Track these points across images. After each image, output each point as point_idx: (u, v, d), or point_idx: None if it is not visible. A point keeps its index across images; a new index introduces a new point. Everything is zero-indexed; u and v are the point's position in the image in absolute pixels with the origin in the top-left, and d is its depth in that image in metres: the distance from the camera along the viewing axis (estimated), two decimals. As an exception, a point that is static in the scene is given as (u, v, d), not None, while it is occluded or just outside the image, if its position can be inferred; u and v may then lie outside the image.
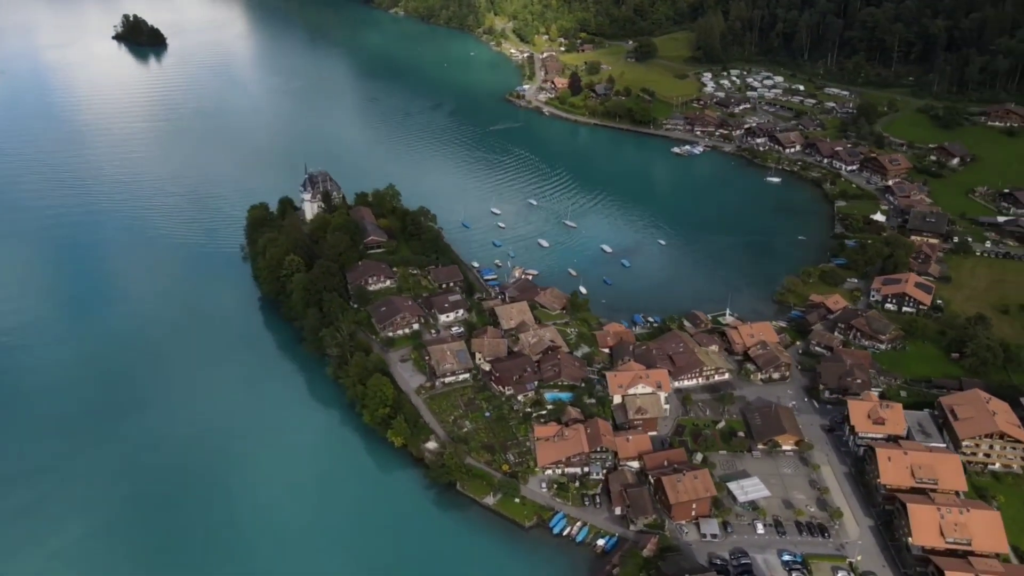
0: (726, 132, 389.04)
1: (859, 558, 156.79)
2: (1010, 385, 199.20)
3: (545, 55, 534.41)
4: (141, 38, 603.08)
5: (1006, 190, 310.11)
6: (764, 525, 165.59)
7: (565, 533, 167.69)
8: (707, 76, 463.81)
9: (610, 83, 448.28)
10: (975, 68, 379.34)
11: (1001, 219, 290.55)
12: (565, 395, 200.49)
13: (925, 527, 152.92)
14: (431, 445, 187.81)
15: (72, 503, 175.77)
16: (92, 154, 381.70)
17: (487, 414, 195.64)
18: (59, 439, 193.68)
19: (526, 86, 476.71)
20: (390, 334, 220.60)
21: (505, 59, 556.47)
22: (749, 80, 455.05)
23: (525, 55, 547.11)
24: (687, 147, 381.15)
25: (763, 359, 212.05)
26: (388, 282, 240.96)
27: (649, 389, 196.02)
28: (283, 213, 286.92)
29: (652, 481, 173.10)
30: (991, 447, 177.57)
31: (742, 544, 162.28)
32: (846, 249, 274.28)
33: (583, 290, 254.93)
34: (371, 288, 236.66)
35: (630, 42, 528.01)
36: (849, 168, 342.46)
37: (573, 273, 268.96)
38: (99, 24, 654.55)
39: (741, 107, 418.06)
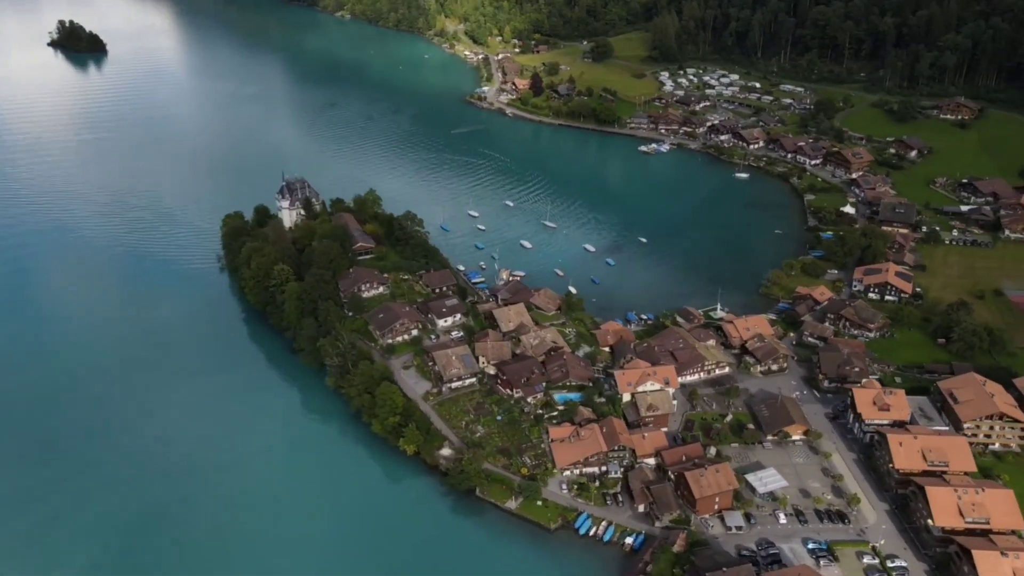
0: (690, 130, 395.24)
1: (883, 542, 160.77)
2: (1000, 367, 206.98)
3: (500, 56, 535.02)
4: (80, 45, 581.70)
5: (964, 180, 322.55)
6: (785, 515, 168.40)
7: (591, 533, 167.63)
8: (664, 75, 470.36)
9: (571, 83, 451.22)
10: (925, 63, 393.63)
11: (964, 208, 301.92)
12: (574, 395, 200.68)
13: (944, 508, 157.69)
14: (445, 452, 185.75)
15: (75, 530, 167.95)
16: (42, 166, 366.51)
17: (499, 417, 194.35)
18: (50, 465, 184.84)
19: (485, 88, 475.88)
20: (389, 341, 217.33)
21: (460, 61, 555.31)
22: (706, 79, 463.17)
23: (480, 57, 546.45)
24: (654, 145, 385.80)
25: (762, 352, 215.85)
26: (381, 288, 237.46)
27: (658, 386, 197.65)
28: (260, 222, 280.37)
29: (673, 477, 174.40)
30: (991, 428, 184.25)
31: (766, 535, 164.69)
32: (823, 241, 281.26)
33: (572, 290, 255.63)
34: (365, 295, 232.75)
35: (585, 42, 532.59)
36: (813, 162, 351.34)
37: (560, 273, 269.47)
38: (30, 31, 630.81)
39: (701, 105, 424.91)
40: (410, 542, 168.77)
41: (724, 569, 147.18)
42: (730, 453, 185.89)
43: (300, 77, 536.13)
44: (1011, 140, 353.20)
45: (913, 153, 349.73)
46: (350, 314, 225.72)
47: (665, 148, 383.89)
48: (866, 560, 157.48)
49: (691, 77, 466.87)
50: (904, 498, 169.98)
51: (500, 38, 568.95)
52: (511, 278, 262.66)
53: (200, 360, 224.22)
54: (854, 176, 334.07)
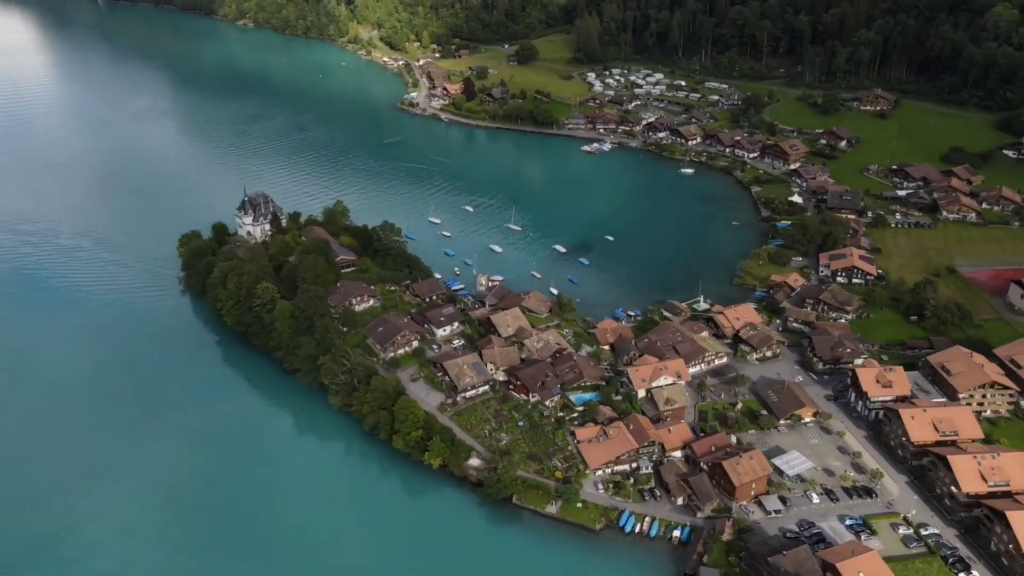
0: (627, 128, 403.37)
1: (913, 512, 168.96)
2: (976, 339, 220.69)
3: (422, 62, 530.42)
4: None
5: (894, 166, 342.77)
6: (817, 495, 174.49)
7: (637, 530, 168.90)
8: (591, 76, 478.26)
9: (503, 86, 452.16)
10: (842, 58, 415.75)
11: (902, 193, 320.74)
12: (588, 396, 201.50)
13: (968, 475, 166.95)
14: (474, 462, 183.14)
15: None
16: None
17: (520, 423, 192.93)
18: (50, 517, 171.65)
19: (414, 94, 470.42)
20: (392, 354, 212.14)
21: (379, 67, 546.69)
22: (632, 78, 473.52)
23: (400, 63, 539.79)
24: (596, 145, 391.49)
25: (756, 339, 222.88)
26: (371, 301, 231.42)
27: (671, 380, 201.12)
28: (219, 241, 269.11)
29: (706, 467, 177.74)
30: (984, 396, 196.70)
31: (803, 515, 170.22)
32: (780, 230, 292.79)
33: (554, 291, 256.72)
34: (357, 309, 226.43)
35: (506, 46, 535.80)
36: (751, 156, 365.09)
37: (537, 275, 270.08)
38: None
39: (633, 104, 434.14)
40: (453, 556, 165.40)
41: (784, 553, 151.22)
42: (748, 440, 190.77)
43: (215, 89, 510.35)
44: (927, 128, 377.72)
45: (843, 143, 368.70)
46: (344, 329, 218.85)
47: (607, 147, 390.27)
48: (901, 531, 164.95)
49: (617, 77, 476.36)
50: (921, 469, 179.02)
51: (419, 44, 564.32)
52: (490, 283, 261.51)
53: (188, 392, 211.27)
54: (793, 167, 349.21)
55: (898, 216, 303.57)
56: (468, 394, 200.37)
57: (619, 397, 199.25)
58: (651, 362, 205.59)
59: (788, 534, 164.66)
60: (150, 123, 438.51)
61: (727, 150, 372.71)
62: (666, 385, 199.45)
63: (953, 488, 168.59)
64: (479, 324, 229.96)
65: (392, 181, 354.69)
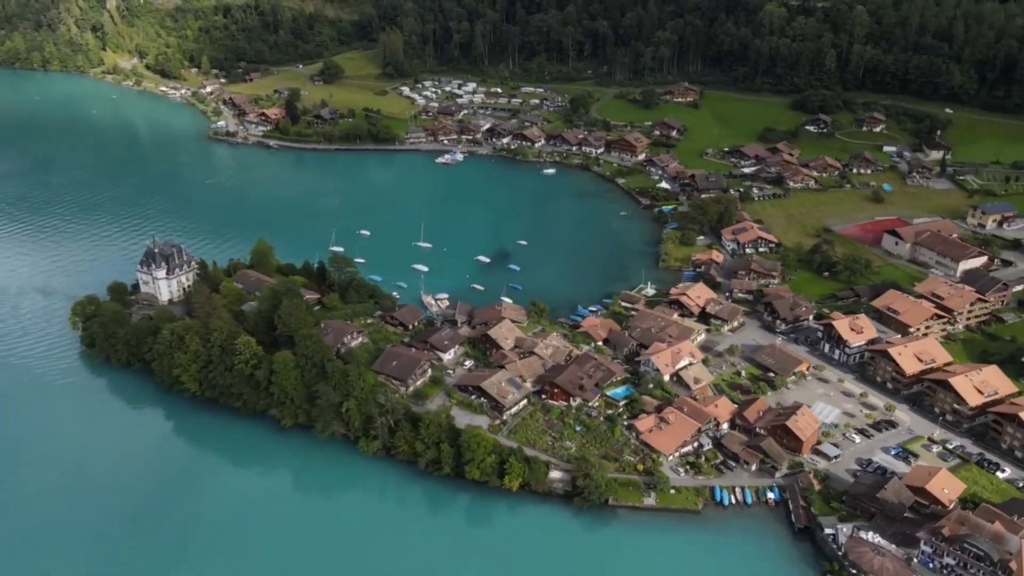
0: (472, 137, 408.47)
1: (937, 432, 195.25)
2: (890, 282, 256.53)
3: (210, 89, 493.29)
4: None
5: (726, 148, 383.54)
6: (856, 435, 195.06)
7: (733, 501, 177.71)
8: (406, 90, 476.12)
9: (326, 106, 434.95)
10: (648, 57, 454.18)
11: (749, 170, 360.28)
12: (623, 390, 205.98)
13: (967, 392, 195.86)
14: (556, 475, 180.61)
15: None
16: None
17: (578, 428, 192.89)
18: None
19: (221, 122, 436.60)
20: (413, 386, 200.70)
21: (158, 98, 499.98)
22: (447, 89, 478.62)
23: (183, 91, 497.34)
24: (448, 156, 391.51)
25: (725, 313, 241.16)
26: (360, 338, 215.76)
27: (688, 361, 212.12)
28: (123, 302, 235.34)
29: (765, 431, 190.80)
30: (928, 327, 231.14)
31: (853, 455, 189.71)
32: (671, 214, 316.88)
33: (508, 300, 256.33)
34: (352, 347, 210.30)
35: (301, 66, 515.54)
36: (599, 151, 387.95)
37: (479, 288, 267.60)
38: None
39: (463, 113, 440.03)
40: (576, 568, 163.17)
41: (885, 487, 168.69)
42: (769, 400, 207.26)
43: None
44: (734, 113, 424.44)
45: (674, 132, 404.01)
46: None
47: (460, 157, 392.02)
48: (935, 449, 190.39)
49: (433, 90, 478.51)
50: (917, 395, 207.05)
51: (197, 69, 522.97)
52: (438, 302, 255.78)
53: (190, 485, 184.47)
54: (641, 158, 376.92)
55: (755, 191, 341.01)
56: (513, 411, 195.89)
57: (652, 385, 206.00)
58: (663, 348, 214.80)
59: (856, 472, 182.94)
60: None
61: (575, 148, 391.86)
62: (689, 366, 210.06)
63: (956, 405, 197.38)
64: (470, 342, 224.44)
65: (264, 213, 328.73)
